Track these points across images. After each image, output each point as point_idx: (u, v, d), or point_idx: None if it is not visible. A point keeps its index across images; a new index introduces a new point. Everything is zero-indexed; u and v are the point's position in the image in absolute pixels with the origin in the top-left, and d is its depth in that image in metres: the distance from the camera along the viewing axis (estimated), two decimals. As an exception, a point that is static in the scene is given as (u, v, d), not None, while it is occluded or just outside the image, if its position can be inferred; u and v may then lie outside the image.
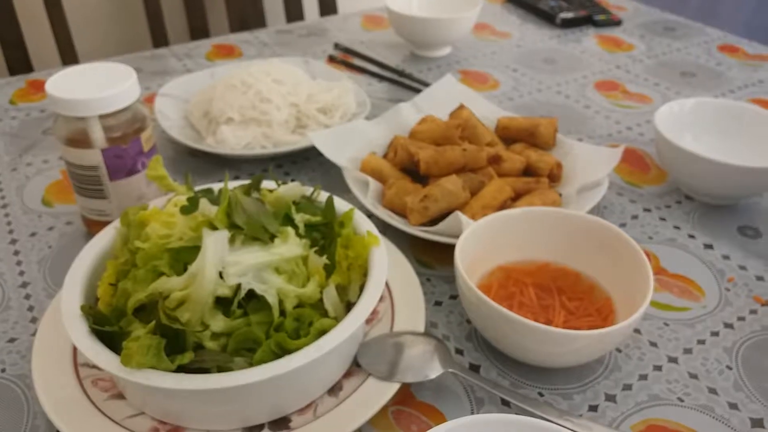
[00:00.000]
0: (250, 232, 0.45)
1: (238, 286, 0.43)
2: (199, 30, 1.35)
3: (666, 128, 0.69)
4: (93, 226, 0.63)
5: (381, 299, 0.55)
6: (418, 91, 0.91)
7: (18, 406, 0.48)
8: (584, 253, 0.55)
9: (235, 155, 0.72)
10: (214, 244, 0.42)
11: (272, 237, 0.46)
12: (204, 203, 0.48)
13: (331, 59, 1.01)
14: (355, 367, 0.49)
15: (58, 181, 0.73)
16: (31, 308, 0.56)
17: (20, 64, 1.23)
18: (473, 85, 0.94)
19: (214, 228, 0.44)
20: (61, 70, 0.60)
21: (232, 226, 0.45)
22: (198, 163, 0.76)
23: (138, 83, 0.59)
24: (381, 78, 0.96)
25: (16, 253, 0.62)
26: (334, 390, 0.47)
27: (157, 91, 0.84)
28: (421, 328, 0.51)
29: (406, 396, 0.48)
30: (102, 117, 0.57)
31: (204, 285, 0.42)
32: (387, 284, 0.56)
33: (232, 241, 0.45)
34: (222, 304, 0.43)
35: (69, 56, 1.28)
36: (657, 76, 0.97)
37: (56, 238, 0.64)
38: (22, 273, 0.60)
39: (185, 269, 0.43)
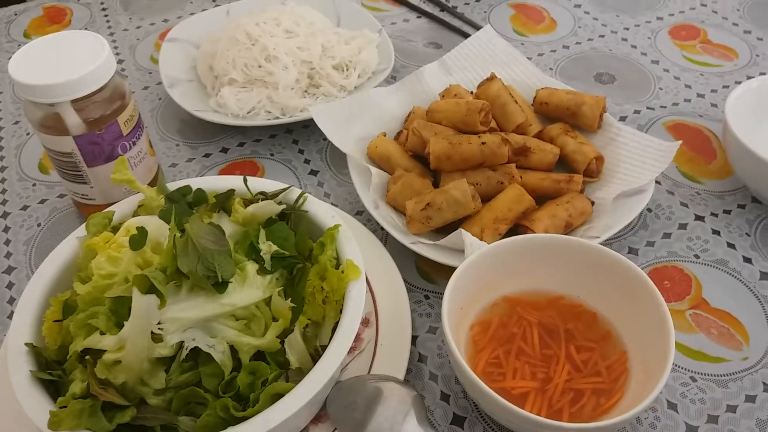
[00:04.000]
0: (196, 282, 0.39)
1: (181, 343, 0.39)
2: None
3: (739, 115, 0.56)
4: (81, 207, 0.59)
5: (367, 324, 0.50)
6: (460, 32, 0.80)
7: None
8: (600, 290, 0.47)
9: (237, 124, 0.65)
10: (144, 309, 0.37)
11: (225, 283, 0.40)
12: (159, 229, 0.43)
13: (368, -14, 0.90)
14: (325, 411, 0.44)
15: (56, 143, 0.69)
16: (11, 300, 0.54)
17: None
18: (526, 24, 0.82)
19: (144, 283, 0.38)
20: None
21: (178, 272, 0.40)
22: (203, 124, 0.69)
23: (113, 56, 0.53)
24: (420, 13, 0.85)
25: (6, 229, 0.60)
26: (300, 437, 0.44)
27: (168, 27, 0.77)
28: (402, 374, 0.45)
29: (378, 448, 0.44)
30: (75, 101, 0.51)
31: (136, 350, 0.37)
32: (375, 306, 0.50)
33: (178, 287, 0.40)
34: (166, 359, 0.39)
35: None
36: (750, 21, 0.80)
37: (46, 215, 0.61)
38: (8, 255, 0.58)
39: (129, 314, 0.39)
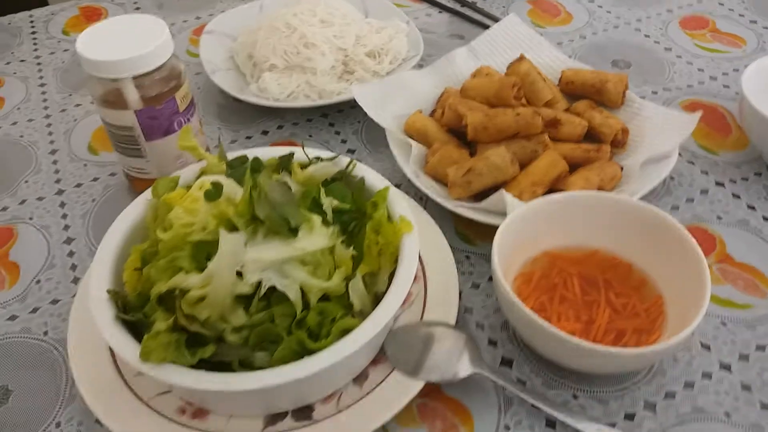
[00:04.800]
0: (272, 227, 0.43)
1: (259, 283, 0.42)
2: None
3: (755, 87, 0.60)
4: (134, 182, 0.63)
5: (415, 280, 0.53)
6: (481, 25, 0.84)
7: (58, 372, 0.50)
8: (636, 242, 0.50)
9: (278, 106, 0.69)
10: (231, 247, 0.41)
11: (296, 229, 0.44)
12: (229, 186, 0.46)
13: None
14: (383, 354, 0.47)
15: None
16: (73, 267, 0.57)
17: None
18: (542, 18, 0.86)
19: (231, 227, 0.42)
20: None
21: (254, 219, 0.43)
22: (243, 108, 0.73)
23: (171, 37, 0.56)
24: (441, 8, 0.89)
25: (62, 205, 0.63)
26: (359, 379, 0.46)
27: (207, 21, 0.81)
28: (453, 320, 0.49)
29: (432, 388, 0.47)
30: (136, 77, 0.55)
31: (222, 285, 0.40)
32: (421, 262, 0.53)
33: (254, 233, 0.43)
34: (243, 298, 0.42)
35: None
36: (756, 12, 0.85)
37: (100, 191, 0.64)
38: (66, 227, 0.61)
39: (207, 260, 0.42)
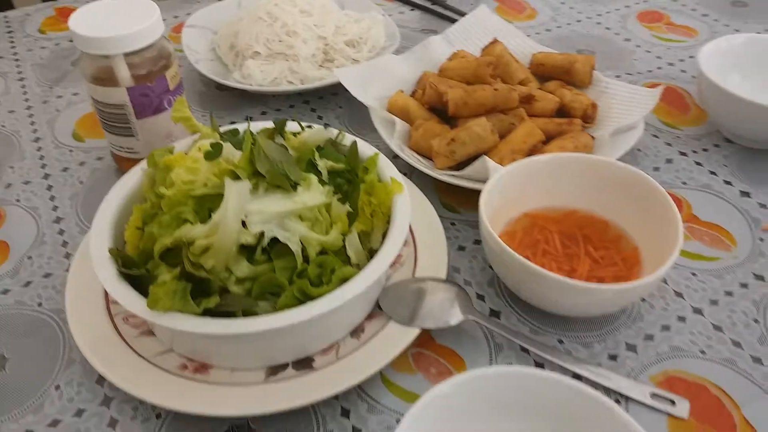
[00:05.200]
0: (272, 180, 0.45)
1: (262, 234, 0.44)
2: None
3: (710, 67, 0.65)
4: (122, 163, 0.64)
5: (404, 244, 0.55)
6: (451, 21, 0.88)
7: (55, 339, 0.50)
8: (613, 201, 0.54)
9: (262, 91, 0.71)
10: (237, 194, 0.42)
11: (295, 185, 0.46)
12: (228, 148, 0.48)
13: (362, -15, 0.98)
14: (377, 310, 0.49)
15: (89, 115, 0.73)
16: (64, 243, 0.58)
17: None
18: (509, 14, 0.91)
19: (236, 177, 0.44)
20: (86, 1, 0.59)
21: (255, 174, 0.45)
22: (226, 96, 0.75)
23: (161, 19, 0.58)
24: (413, 6, 0.93)
25: (49, 188, 0.64)
26: (356, 332, 0.48)
27: (184, 20, 0.83)
28: (443, 275, 0.51)
29: (426, 339, 0.49)
30: (127, 55, 0.56)
31: (227, 234, 0.42)
32: (410, 229, 0.55)
33: (255, 188, 0.45)
34: (246, 250, 0.44)
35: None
36: (705, 6, 0.91)
37: (87, 174, 0.65)
38: (55, 208, 0.62)
39: (209, 215, 0.44)
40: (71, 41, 0.86)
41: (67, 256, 0.57)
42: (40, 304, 0.53)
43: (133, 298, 0.43)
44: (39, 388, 0.47)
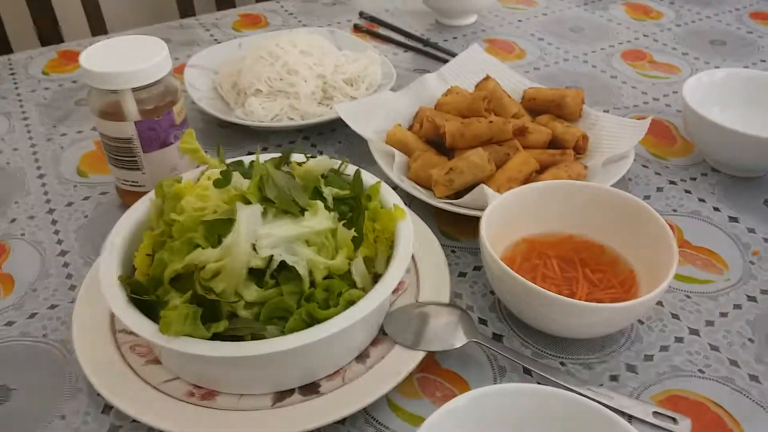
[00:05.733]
0: (281, 205, 0.46)
1: (271, 258, 0.45)
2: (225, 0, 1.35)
3: (694, 99, 0.68)
4: (127, 197, 0.65)
5: (407, 270, 0.56)
6: (443, 60, 0.91)
7: (60, 370, 0.50)
8: (608, 226, 0.55)
9: (263, 127, 0.73)
10: (248, 217, 0.44)
11: (302, 210, 0.47)
12: (236, 176, 0.49)
13: (356, 28, 1.01)
14: (382, 335, 0.50)
15: (92, 152, 0.74)
16: (69, 276, 0.59)
17: (51, 34, 1.25)
18: (499, 54, 0.94)
19: (247, 202, 0.45)
20: (92, 41, 0.61)
21: (264, 200, 0.46)
22: (227, 134, 0.77)
23: (169, 56, 0.60)
24: (406, 47, 0.96)
25: (54, 222, 0.65)
26: (361, 357, 0.49)
27: (185, 62, 0.85)
28: (446, 299, 0.52)
29: (431, 364, 0.50)
30: (135, 90, 0.58)
31: (238, 257, 0.43)
32: (412, 255, 0.57)
33: (264, 214, 0.46)
34: (254, 275, 0.45)
35: (98, 27, 1.29)
36: (686, 45, 0.95)
37: (92, 208, 0.66)
38: (60, 242, 0.62)
39: (219, 241, 0.45)
40: (74, 82, 0.88)
41: (72, 288, 0.57)
42: (45, 335, 0.53)
43: (144, 323, 0.43)
44: (45, 419, 0.47)
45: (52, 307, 0.56)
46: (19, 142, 0.76)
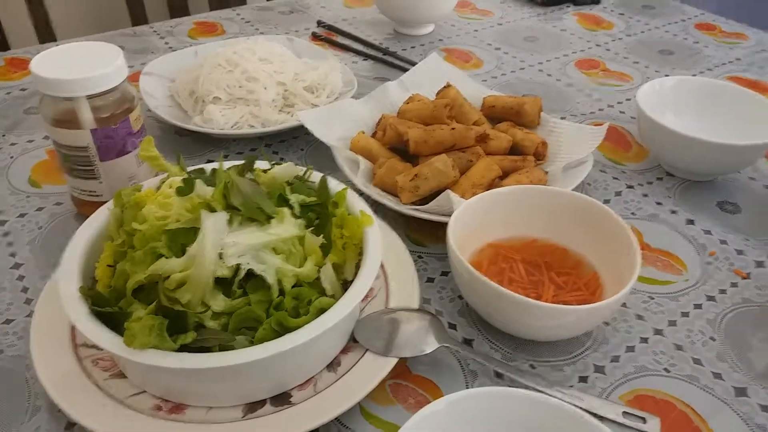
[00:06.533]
0: (247, 213, 0.45)
1: (237, 267, 0.44)
2: (178, 7, 1.33)
3: (648, 106, 0.70)
4: (84, 207, 0.63)
5: (375, 276, 0.56)
6: (402, 69, 0.91)
7: (18, 387, 0.48)
8: (571, 230, 0.56)
9: (225, 134, 0.72)
10: (214, 225, 0.43)
11: (268, 218, 0.46)
12: (199, 184, 0.48)
13: (315, 37, 1.01)
14: (353, 343, 0.50)
15: (45, 161, 0.72)
16: (25, 289, 0.56)
17: (-6, 41, 1.21)
18: (457, 63, 0.95)
19: (211, 210, 0.44)
20: (40, 48, 0.59)
21: (229, 208, 0.45)
22: (185, 142, 0.76)
23: (125, 63, 0.59)
24: (365, 56, 0.96)
25: (6, 234, 0.62)
26: (332, 366, 0.48)
27: (140, 69, 0.83)
28: (416, 305, 0.52)
29: (402, 370, 0.50)
30: (90, 97, 0.56)
31: (204, 266, 0.42)
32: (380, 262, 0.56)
33: (229, 222, 0.45)
34: (221, 284, 0.44)
35: (46, 34, 1.25)
36: (636, 55, 0.98)
37: (46, 219, 0.64)
38: (13, 254, 0.60)
39: (183, 251, 0.44)
40: (23, 90, 0.85)
41: (28, 301, 0.55)
42: (1, 351, 0.51)
43: (108, 336, 0.42)
44: (0, 439, 0.45)
45: (7, 321, 0.53)
46: (-36, 153, 0.73)
